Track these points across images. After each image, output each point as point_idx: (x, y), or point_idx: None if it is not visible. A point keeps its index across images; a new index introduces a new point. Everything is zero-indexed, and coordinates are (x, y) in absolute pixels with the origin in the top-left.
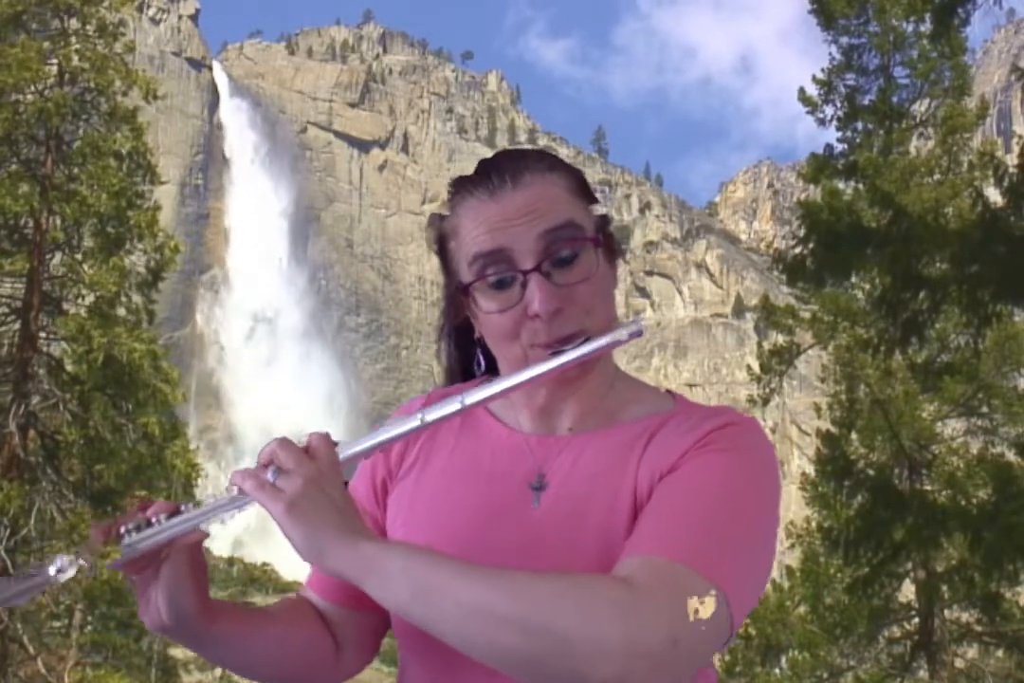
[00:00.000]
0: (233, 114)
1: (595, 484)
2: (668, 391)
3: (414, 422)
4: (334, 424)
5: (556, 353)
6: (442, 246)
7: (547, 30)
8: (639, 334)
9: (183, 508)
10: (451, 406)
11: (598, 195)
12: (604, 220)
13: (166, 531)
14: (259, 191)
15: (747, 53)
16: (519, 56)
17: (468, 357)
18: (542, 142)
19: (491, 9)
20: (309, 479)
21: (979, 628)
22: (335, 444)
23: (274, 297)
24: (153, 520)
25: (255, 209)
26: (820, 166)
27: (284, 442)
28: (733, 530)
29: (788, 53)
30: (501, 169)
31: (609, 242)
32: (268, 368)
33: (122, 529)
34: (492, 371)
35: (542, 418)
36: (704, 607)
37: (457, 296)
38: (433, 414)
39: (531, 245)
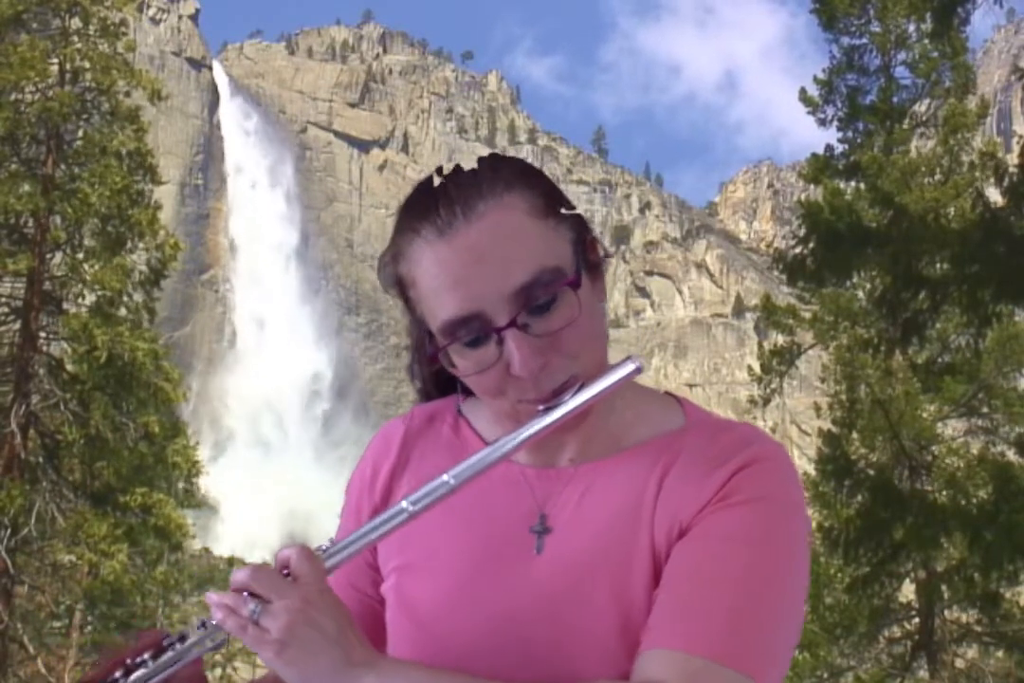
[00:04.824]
0: (233, 114)
1: (605, 530)
2: (671, 395)
3: (400, 515)
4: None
5: (549, 408)
6: (401, 292)
7: (535, 47)
8: (639, 372)
9: (167, 643)
10: (439, 488)
11: (597, 195)
12: (580, 226)
13: (157, 674)
14: (259, 191)
15: (731, 70)
16: (505, 73)
17: (444, 374)
18: (542, 142)
19: (481, 24)
20: (295, 613)
21: (979, 628)
22: (318, 552)
23: (274, 297)
24: (139, 661)
25: (255, 209)
26: (821, 166)
27: (260, 571)
28: (764, 612)
29: (771, 70)
30: (450, 197)
31: (590, 254)
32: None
33: (108, 680)
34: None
35: (540, 449)
36: None
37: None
38: (420, 502)
39: (503, 304)
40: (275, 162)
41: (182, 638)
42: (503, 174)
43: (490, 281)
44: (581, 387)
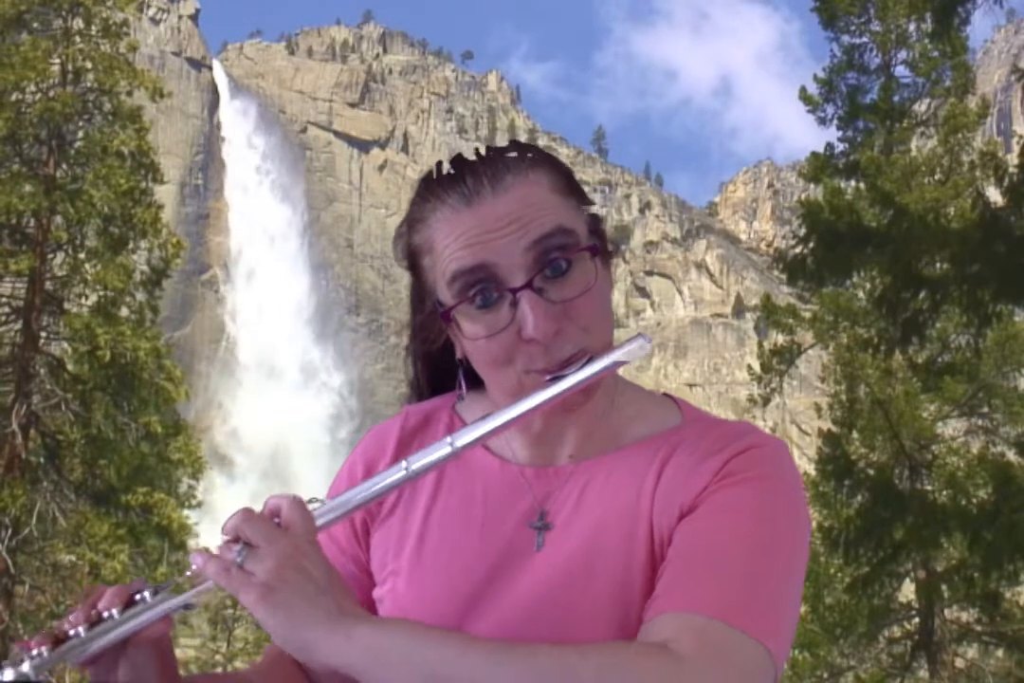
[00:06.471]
0: (233, 114)
1: (605, 523)
2: (669, 396)
3: (398, 473)
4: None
5: (556, 378)
6: (414, 263)
7: (531, 53)
8: (646, 348)
9: (138, 597)
10: (440, 451)
11: (597, 195)
12: (595, 218)
13: (120, 627)
14: (259, 191)
15: (726, 75)
16: (501, 78)
17: (439, 370)
18: (542, 142)
19: (479, 28)
20: (283, 558)
21: (979, 628)
22: (311, 507)
23: (274, 296)
24: (105, 614)
25: (254, 209)
26: (821, 165)
27: (250, 514)
28: (768, 577)
29: (766, 76)
30: (477, 170)
31: (603, 243)
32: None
33: (69, 630)
34: (474, 382)
35: (539, 446)
36: (753, 670)
37: (435, 318)
38: (419, 462)
39: (518, 259)
40: (275, 162)
41: (155, 591)
42: (530, 154)
43: (508, 239)
44: (588, 361)
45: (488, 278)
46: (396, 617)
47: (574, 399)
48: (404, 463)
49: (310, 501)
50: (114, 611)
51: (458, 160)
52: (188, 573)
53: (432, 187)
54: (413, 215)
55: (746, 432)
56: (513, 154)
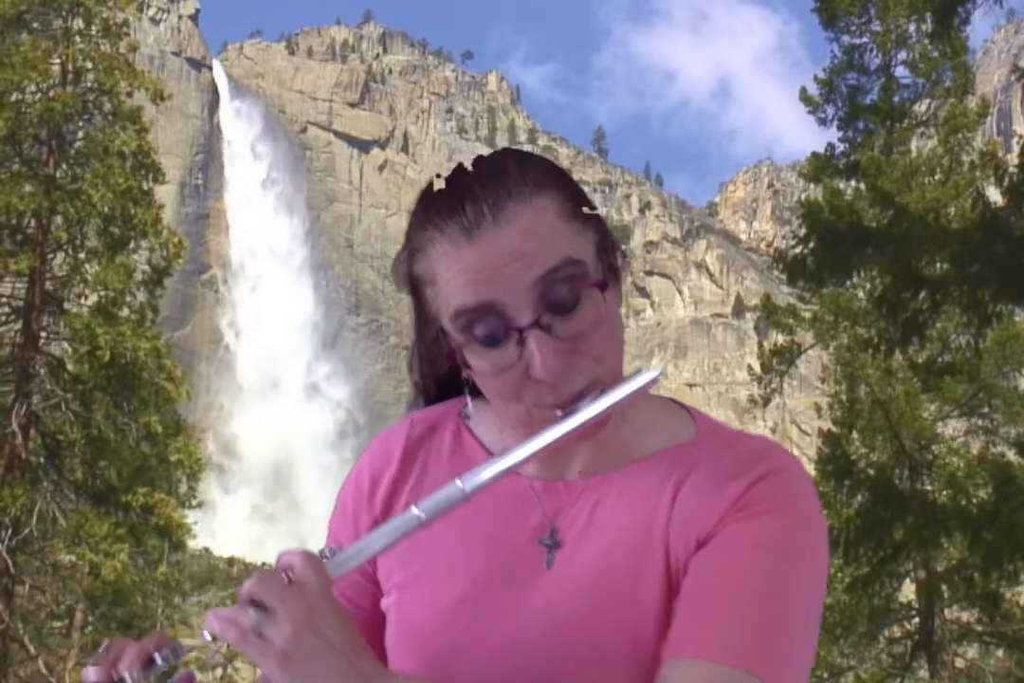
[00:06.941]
0: (233, 114)
1: (617, 545)
2: (679, 404)
3: (412, 522)
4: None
5: (568, 413)
6: (415, 290)
7: (530, 54)
8: (659, 379)
9: (157, 656)
10: (451, 496)
11: (597, 195)
12: (602, 232)
13: None
14: (259, 191)
15: (724, 77)
16: (501, 78)
17: (446, 379)
18: (542, 142)
19: (477, 30)
20: (299, 622)
21: (979, 628)
22: (323, 559)
23: (274, 296)
24: (127, 678)
25: (255, 209)
26: (821, 165)
27: (264, 577)
28: (784, 619)
29: (764, 77)
30: (477, 198)
31: (611, 258)
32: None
33: None
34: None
35: (548, 461)
36: None
37: (439, 345)
38: (433, 509)
39: (523, 295)
40: (275, 162)
41: (174, 651)
42: (532, 174)
43: (513, 275)
44: (600, 393)
45: (493, 316)
46: (414, 677)
47: (587, 431)
48: (415, 510)
49: (321, 552)
50: (135, 673)
51: (456, 179)
52: (207, 635)
53: (430, 213)
54: (412, 244)
55: (764, 455)
56: (515, 175)
